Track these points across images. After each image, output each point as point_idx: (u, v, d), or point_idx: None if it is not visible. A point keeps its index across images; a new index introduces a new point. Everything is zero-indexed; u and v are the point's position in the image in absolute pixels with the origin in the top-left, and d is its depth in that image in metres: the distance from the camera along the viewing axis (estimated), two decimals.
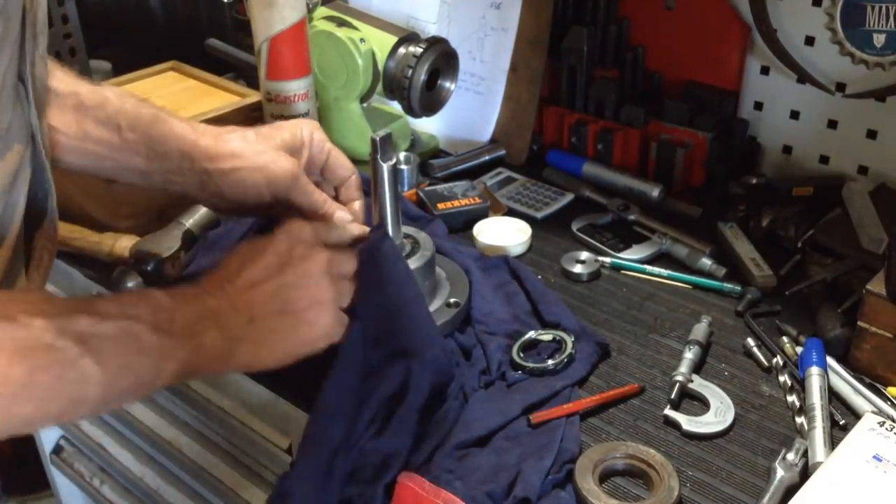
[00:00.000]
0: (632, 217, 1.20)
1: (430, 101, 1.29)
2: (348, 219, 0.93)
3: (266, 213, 0.95)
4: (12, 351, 0.58)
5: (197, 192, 0.93)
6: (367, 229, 0.89)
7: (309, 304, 0.78)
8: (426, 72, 1.23)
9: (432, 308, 0.97)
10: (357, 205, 0.96)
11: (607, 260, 1.12)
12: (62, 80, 0.88)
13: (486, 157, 1.37)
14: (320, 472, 0.77)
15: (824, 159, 1.24)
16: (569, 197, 1.28)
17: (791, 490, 0.76)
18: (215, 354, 0.73)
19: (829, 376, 0.90)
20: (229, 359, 0.75)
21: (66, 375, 0.61)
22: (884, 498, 0.73)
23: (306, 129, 0.94)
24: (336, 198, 0.97)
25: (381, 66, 1.27)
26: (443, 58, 1.26)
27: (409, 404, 0.82)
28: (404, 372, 0.83)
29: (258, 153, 0.90)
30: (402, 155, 1.27)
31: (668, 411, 0.87)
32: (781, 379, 0.91)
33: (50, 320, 0.61)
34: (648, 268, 1.11)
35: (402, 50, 1.26)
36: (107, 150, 0.89)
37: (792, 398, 0.89)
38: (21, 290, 0.70)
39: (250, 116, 1.27)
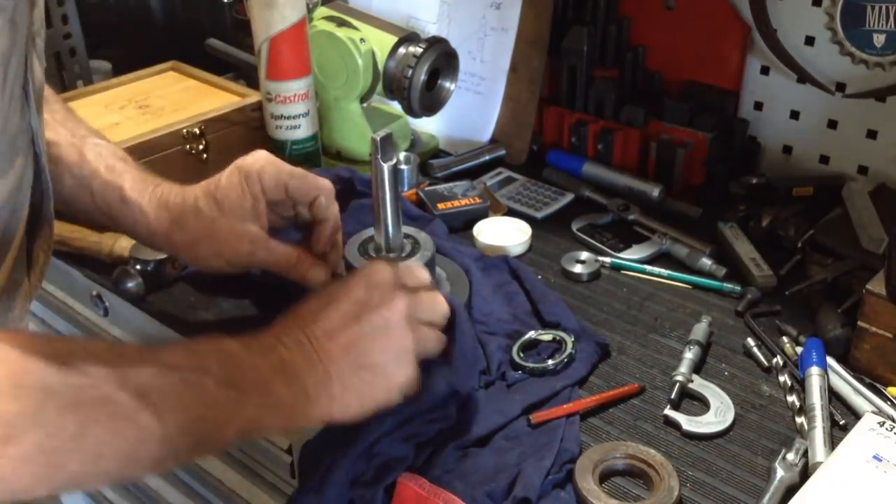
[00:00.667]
0: (632, 217, 1.20)
1: (430, 101, 1.29)
2: (321, 278, 0.92)
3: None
4: (66, 400, 0.54)
5: (171, 252, 0.96)
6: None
7: (387, 357, 0.74)
8: (426, 72, 1.23)
9: None
10: (328, 224, 0.94)
11: (607, 260, 1.12)
12: (48, 124, 0.87)
13: (486, 157, 1.37)
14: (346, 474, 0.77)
15: (824, 159, 1.24)
16: (569, 197, 1.28)
17: (791, 490, 0.76)
18: (284, 411, 0.69)
19: (829, 376, 0.90)
20: (297, 415, 0.70)
21: (123, 431, 0.57)
22: (884, 498, 0.73)
23: (252, 180, 0.90)
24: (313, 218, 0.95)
25: (381, 66, 1.27)
26: (443, 58, 1.26)
27: (426, 418, 0.81)
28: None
29: (207, 238, 0.89)
30: (402, 155, 1.27)
31: (668, 411, 0.87)
32: (781, 379, 0.91)
33: (111, 369, 0.57)
34: (648, 268, 1.11)
35: (402, 50, 1.26)
36: (81, 206, 0.91)
37: (792, 398, 0.89)
38: (87, 338, 0.67)
39: (250, 116, 1.27)
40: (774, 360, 0.94)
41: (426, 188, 1.25)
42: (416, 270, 0.83)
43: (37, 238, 0.75)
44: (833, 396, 0.89)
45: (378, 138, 0.88)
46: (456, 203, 1.21)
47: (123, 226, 0.93)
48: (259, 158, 0.91)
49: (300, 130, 1.25)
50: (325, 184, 0.93)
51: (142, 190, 0.91)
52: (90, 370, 0.56)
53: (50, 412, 0.53)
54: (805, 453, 0.80)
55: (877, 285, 0.88)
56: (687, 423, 0.86)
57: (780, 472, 0.78)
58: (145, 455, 0.59)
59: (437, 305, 0.80)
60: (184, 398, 0.61)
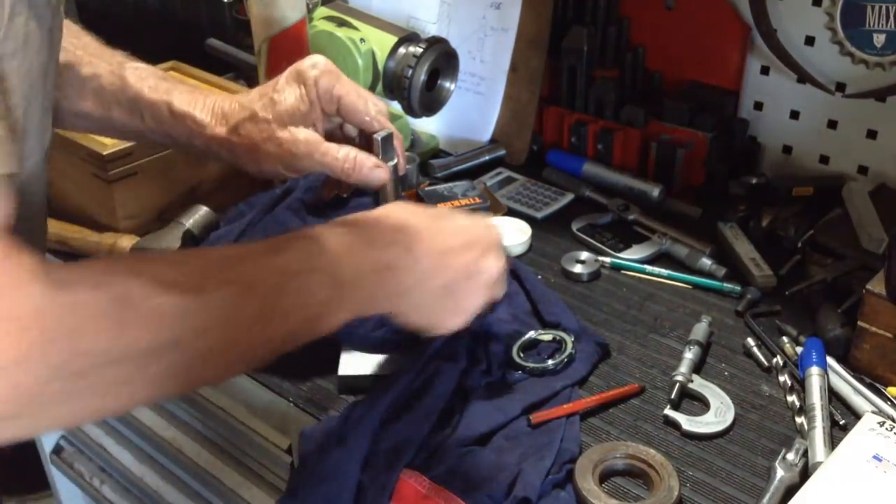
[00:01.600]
0: (632, 217, 1.20)
1: (430, 101, 1.29)
2: (383, 177, 0.91)
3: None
4: (201, 322, 0.58)
5: (220, 162, 0.97)
6: None
7: (474, 301, 0.80)
8: (426, 72, 1.23)
9: None
10: (378, 136, 0.92)
11: (607, 260, 1.12)
12: (81, 59, 0.89)
13: (486, 157, 1.37)
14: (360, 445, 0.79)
15: (824, 159, 1.24)
16: (569, 197, 1.28)
17: (791, 490, 0.76)
18: (377, 303, 0.74)
19: (829, 376, 0.90)
20: (383, 306, 0.75)
21: (243, 329, 0.61)
22: (884, 498, 0.73)
23: (309, 84, 0.90)
24: (362, 133, 0.94)
25: (381, 66, 1.27)
26: (443, 58, 1.26)
27: (432, 399, 0.83)
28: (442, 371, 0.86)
29: (267, 140, 0.89)
30: None
31: (668, 411, 0.87)
32: (781, 379, 0.91)
33: (233, 284, 0.61)
34: (648, 268, 1.11)
35: (402, 50, 1.26)
36: (130, 132, 0.94)
37: (792, 398, 0.89)
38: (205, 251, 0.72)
39: None
40: (774, 360, 0.94)
41: (426, 188, 1.25)
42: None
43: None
44: (833, 396, 0.89)
45: (378, 138, 0.89)
46: (456, 203, 1.21)
47: (180, 140, 0.93)
48: (318, 64, 0.91)
49: None
50: (373, 110, 0.92)
51: (191, 101, 0.92)
52: (220, 292, 0.60)
53: (188, 334, 0.57)
54: (805, 453, 0.80)
55: (877, 285, 0.88)
56: (687, 423, 0.86)
57: (780, 472, 0.78)
58: (259, 341, 0.63)
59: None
60: (295, 299, 0.65)
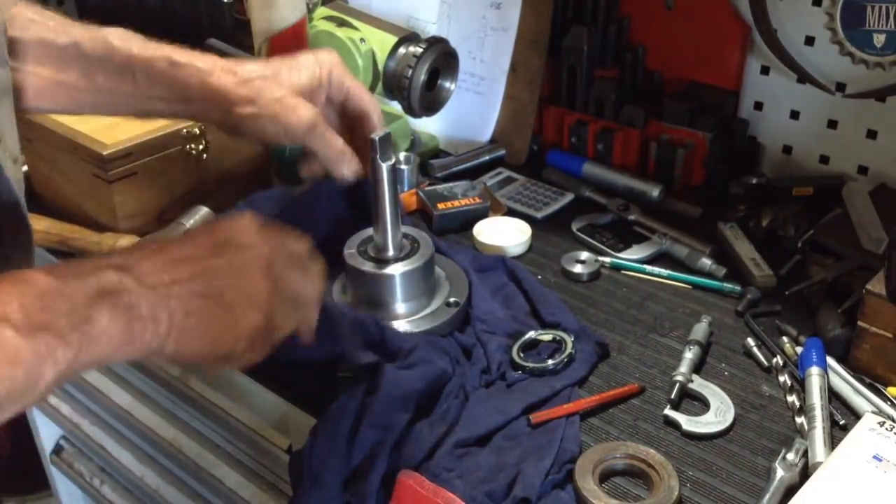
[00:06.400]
0: (632, 217, 1.20)
1: (430, 101, 1.28)
2: (353, 172, 0.91)
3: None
4: None
5: (219, 126, 0.94)
6: None
7: (237, 296, 0.67)
8: (426, 72, 1.23)
9: (432, 308, 0.97)
10: (376, 136, 0.91)
11: (607, 260, 1.12)
12: (55, 29, 0.86)
13: (486, 157, 1.37)
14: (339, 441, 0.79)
15: (824, 159, 1.24)
16: (569, 197, 1.28)
17: (791, 490, 0.76)
18: (113, 339, 0.59)
19: (829, 376, 0.90)
20: (133, 341, 0.61)
21: None
22: (884, 498, 0.73)
23: (324, 69, 0.92)
24: (354, 133, 0.94)
25: (381, 66, 1.27)
26: (443, 58, 1.26)
27: (381, 399, 0.82)
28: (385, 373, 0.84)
29: (275, 101, 0.88)
30: (402, 155, 1.27)
31: (668, 411, 0.87)
32: (781, 379, 0.91)
33: None
34: (648, 268, 1.10)
35: (402, 50, 1.25)
36: (122, 97, 0.89)
37: (792, 398, 0.89)
38: None
39: None
40: (774, 360, 0.94)
41: (426, 188, 1.25)
42: (295, 242, 0.76)
43: None
44: (833, 396, 0.89)
45: (377, 138, 0.88)
46: (456, 203, 1.21)
47: (174, 96, 0.89)
48: (333, 57, 0.94)
49: None
50: (375, 106, 0.94)
51: (192, 54, 0.90)
52: None
53: None
54: (805, 453, 0.80)
55: (877, 285, 0.88)
56: (687, 423, 0.86)
57: (780, 472, 0.78)
58: None
59: (310, 277, 0.75)
60: None
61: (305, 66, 0.91)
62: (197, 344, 0.66)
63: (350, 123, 0.95)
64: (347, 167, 0.91)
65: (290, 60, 0.92)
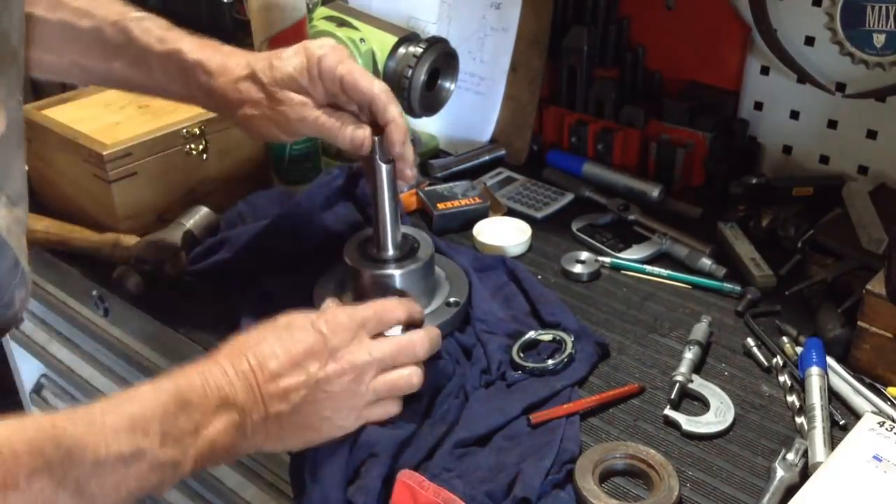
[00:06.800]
0: (632, 217, 1.20)
1: (430, 101, 1.28)
2: (364, 135, 0.88)
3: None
4: None
5: (224, 117, 0.95)
6: None
7: (331, 413, 0.77)
8: (426, 72, 1.23)
9: (432, 307, 0.97)
10: (391, 128, 0.88)
11: (607, 260, 1.12)
12: (79, 12, 0.89)
13: (486, 157, 1.37)
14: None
15: (824, 159, 1.24)
16: (569, 197, 1.28)
17: (791, 490, 0.76)
18: (223, 448, 0.72)
19: (829, 376, 0.90)
20: (235, 450, 0.74)
21: None
22: (884, 498, 0.73)
23: (313, 59, 0.87)
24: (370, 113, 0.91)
25: (381, 66, 1.27)
26: (443, 58, 1.26)
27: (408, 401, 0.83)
28: None
29: (263, 99, 0.88)
30: None
31: (668, 411, 0.87)
32: (781, 379, 0.91)
33: (48, 479, 0.59)
34: (648, 268, 1.10)
35: (402, 50, 1.25)
36: (137, 84, 0.94)
37: (792, 398, 0.89)
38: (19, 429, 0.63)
39: None
40: (774, 360, 0.94)
41: (426, 188, 1.25)
42: (387, 311, 0.83)
43: None
44: (833, 396, 0.89)
45: (377, 138, 0.88)
46: (456, 203, 1.21)
47: (182, 90, 0.92)
48: (325, 45, 0.89)
49: None
50: (377, 88, 0.87)
51: (202, 51, 0.90)
52: (33, 484, 0.59)
53: None
54: (805, 453, 0.80)
55: (877, 285, 0.88)
56: (687, 423, 0.86)
57: (780, 472, 0.78)
58: None
59: (410, 349, 0.81)
60: (125, 478, 0.64)
61: (292, 59, 0.88)
62: (290, 447, 0.79)
63: (366, 113, 0.91)
64: (354, 138, 0.88)
65: (280, 52, 0.89)
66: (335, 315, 0.79)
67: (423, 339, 0.82)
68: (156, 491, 0.68)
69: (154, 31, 0.91)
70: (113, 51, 0.90)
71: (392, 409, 0.82)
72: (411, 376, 0.81)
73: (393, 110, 0.87)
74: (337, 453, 0.79)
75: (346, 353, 0.77)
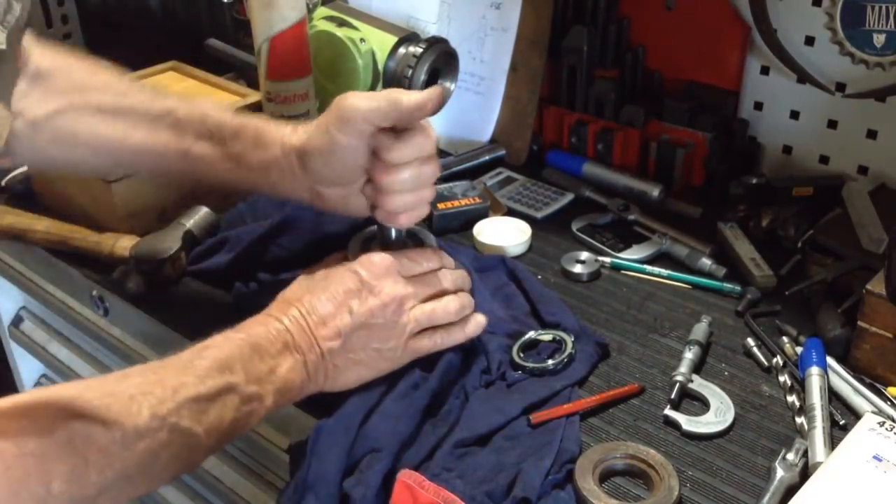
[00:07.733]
0: (632, 217, 1.20)
1: None
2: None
3: None
4: (131, 460, 0.66)
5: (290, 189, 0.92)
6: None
7: (379, 346, 0.84)
8: (426, 72, 1.23)
9: None
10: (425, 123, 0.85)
11: (607, 260, 1.12)
12: (151, 97, 0.92)
13: (486, 157, 1.37)
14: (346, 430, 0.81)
15: (824, 159, 1.24)
16: (569, 197, 1.28)
17: (791, 490, 0.76)
18: (292, 391, 0.80)
19: (829, 376, 0.90)
20: (301, 392, 0.82)
21: (180, 456, 0.70)
22: (884, 498, 0.73)
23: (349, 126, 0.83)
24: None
25: (381, 66, 1.27)
26: (443, 58, 1.26)
27: (414, 397, 0.84)
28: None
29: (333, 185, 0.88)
30: None
31: (668, 411, 0.87)
32: (781, 379, 0.91)
33: (163, 417, 0.68)
34: (648, 268, 1.11)
35: (402, 50, 1.26)
36: (206, 165, 0.91)
37: (792, 398, 0.89)
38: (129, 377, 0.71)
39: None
40: (774, 360, 0.94)
41: None
42: (418, 256, 0.89)
43: None
44: (833, 396, 0.89)
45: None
46: (456, 203, 1.21)
47: (255, 159, 0.89)
48: (349, 110, 0.82)
49: None
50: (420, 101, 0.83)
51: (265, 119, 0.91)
52: (150, 423, 0.67)
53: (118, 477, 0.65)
54: (805, 453, 0.80)
55: (877, 285, 0.88)
56: (687, 423, 0.86)
57: (780, 472, 0.78)
58: (194, 463, 0.73)
59: (436, 281, 0.89)
60: (224, 409, 0.73)
61: (323, 148, 0.85)
62: (347, 383, 0.85)
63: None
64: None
65: (324, 126, 0.85)
66: (369, 257, 0.86)
67: (446, 273, 0.90)
68: (249, 424, 0.76)
69: (226, 108, 0.94)
70: (186, 127, 0.90)
71: (438, 339, 0.87)
72: (448, 304, 0.87)
73: (425, 101, 0.83)
74: (340, 438, 0.79)
75: (384, 287, 0.84)
